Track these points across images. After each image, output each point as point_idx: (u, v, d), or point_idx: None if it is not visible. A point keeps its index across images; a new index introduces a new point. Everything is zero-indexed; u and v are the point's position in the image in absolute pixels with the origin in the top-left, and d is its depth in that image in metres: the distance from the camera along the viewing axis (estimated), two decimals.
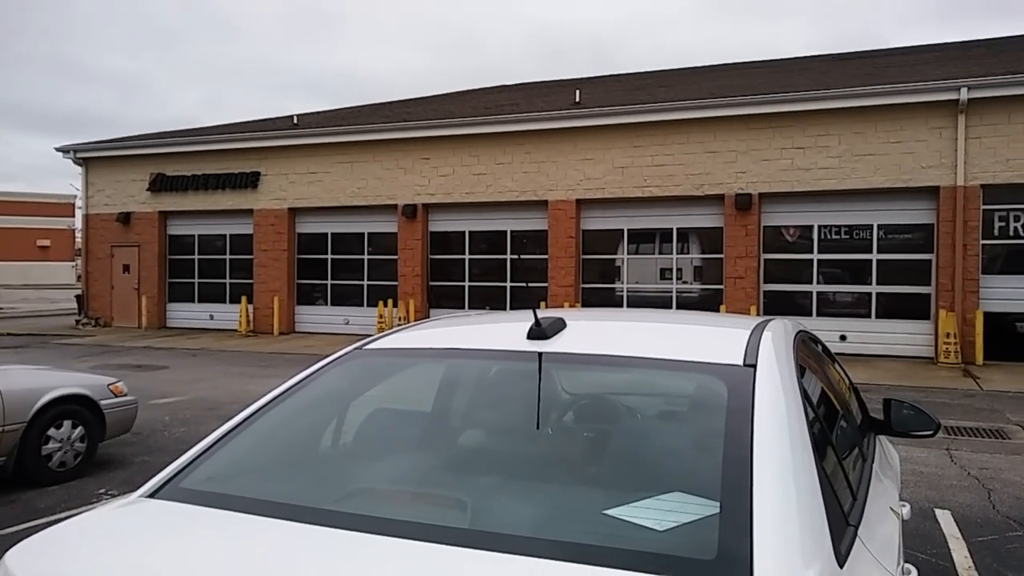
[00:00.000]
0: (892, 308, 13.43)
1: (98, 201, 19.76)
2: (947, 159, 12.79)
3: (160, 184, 18.86)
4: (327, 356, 2.38)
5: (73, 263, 50.97)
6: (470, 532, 1.55)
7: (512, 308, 15.79)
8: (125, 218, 19.22)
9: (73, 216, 50.28)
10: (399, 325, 12.59)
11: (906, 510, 2.50)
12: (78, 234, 31.84)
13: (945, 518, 4.94)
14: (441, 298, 16.58)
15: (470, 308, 16.09)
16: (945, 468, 6.20)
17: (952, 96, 12.52)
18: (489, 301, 16.02)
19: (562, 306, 14.69)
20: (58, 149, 19.88)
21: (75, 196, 29.47)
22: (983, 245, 12.72)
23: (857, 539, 1.62)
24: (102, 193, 19.69)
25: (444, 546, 1.45)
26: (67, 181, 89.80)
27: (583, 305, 15.19)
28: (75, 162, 19.84)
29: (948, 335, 12.43)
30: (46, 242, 54.31)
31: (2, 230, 37.86)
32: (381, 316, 16.17)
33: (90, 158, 19.76)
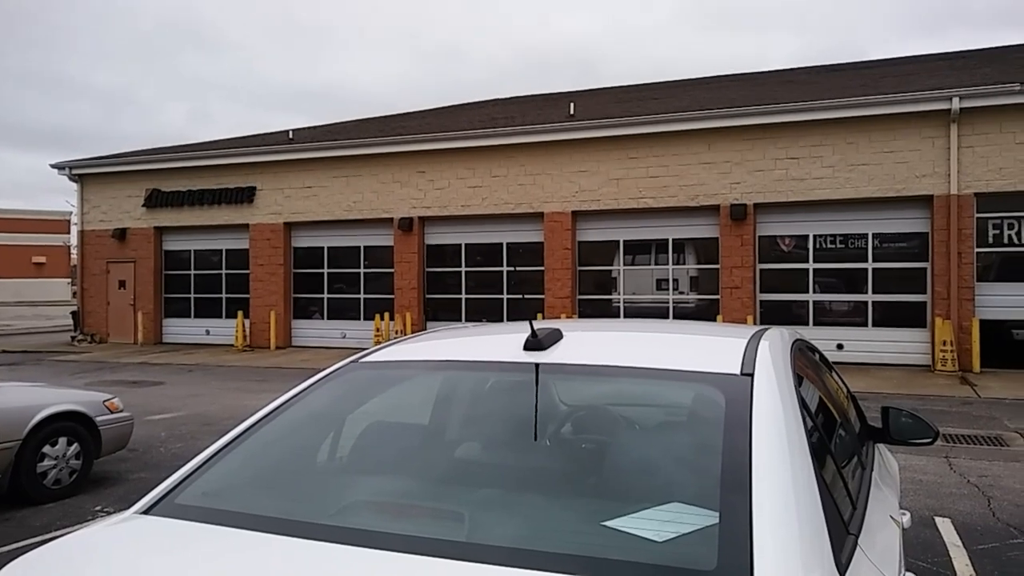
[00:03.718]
0: (888, 317, 13.45)
1: (93, 217, 19.74)
2: (940, 168, 12.86)
3: (156, 200, 18.86)
4: (323, 370, 2.37)
5: (69, 280, 50.87)
6: (467, 545, 1.54)
7: (509, 320, 15.77)
8: (121, 234, 19.20)
9: (68, 233, 50.21)
10: (396, 338, 12.50)
11: (906, 518, 2.49)
12: (73, 251, 31.70)
13: (945, 526, 4.93)
14: (438, 311, 16.57)
15: (467, 320, 16.07)
16: (944, 476, 6.19)
17: (944, 106, 12.61)
18: (486, 313, 16.01)
19: (559, 317, 14.68)
20: (53, 166, 19.85)
21: (70, 212, 29.43)
22: (978, 253, 12.76)
23: (857, 548, 1.61)
24: (97, 209, 19.67)
25: (441, 559, 1.44)
26: (55, 197, 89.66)
27: (580, 316, 15.18)
28: (70, 178, 19.81)
29: (945, 343, 12.44)
30: (41, 259, 54.19)
31: None
32: (378, 329, 16.14)
33: (85, 174, 19.74)
